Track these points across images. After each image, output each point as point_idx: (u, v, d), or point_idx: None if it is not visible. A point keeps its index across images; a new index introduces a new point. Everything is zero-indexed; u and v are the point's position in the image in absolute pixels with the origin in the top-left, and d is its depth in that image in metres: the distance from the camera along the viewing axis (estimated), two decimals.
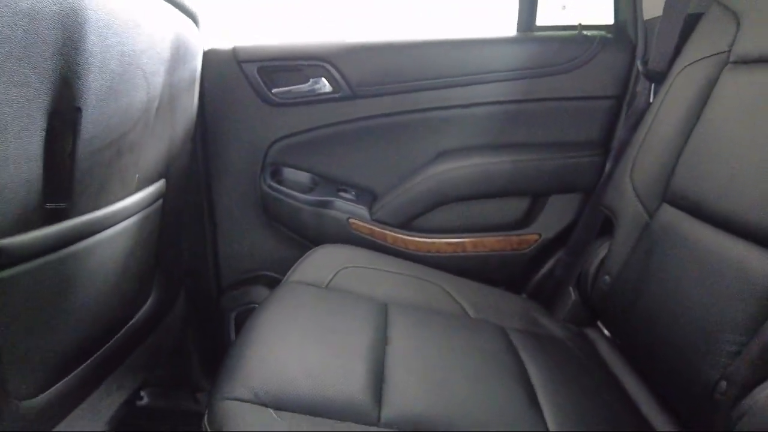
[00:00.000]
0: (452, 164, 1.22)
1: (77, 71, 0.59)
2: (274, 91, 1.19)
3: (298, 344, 0.74)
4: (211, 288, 1.31)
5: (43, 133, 0.57)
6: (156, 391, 1.30)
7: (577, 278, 1.08)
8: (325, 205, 1.22)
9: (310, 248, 1.08)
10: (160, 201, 0.94)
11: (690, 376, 0.69)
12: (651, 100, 1.02)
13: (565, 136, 1.21)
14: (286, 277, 0.97)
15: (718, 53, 0.85)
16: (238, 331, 1.29)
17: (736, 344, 0.63)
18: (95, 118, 0.65)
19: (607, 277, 0.95)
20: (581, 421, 0.74)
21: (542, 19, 1.29)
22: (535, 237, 1.23)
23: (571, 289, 1.08)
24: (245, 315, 1.26)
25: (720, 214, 0.73)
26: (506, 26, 1.33)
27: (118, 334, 0.88)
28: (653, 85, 1.03)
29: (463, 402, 0.71)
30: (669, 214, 0.84)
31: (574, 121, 1.20)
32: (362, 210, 1.23)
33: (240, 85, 1.18)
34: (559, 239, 1.22)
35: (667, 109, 0.93)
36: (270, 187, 1.23)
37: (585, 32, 1.20)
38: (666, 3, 0.98)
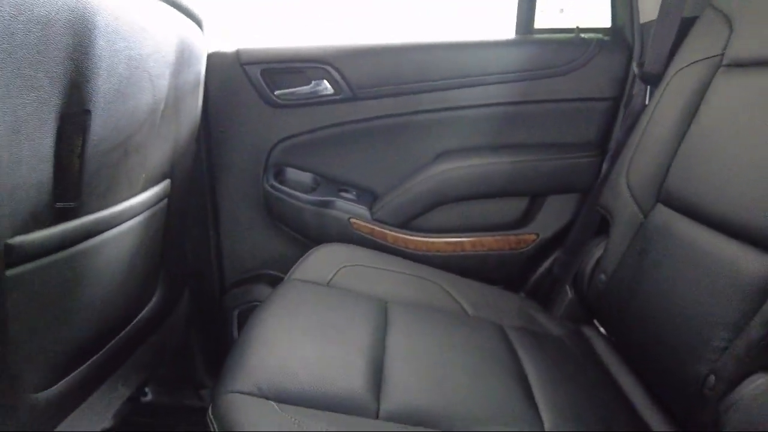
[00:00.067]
0: (451, 165, 1.23)
1: (87, 75, 0.61)
2: (276, 93, 1.21)
3: (300, 340, 0.76)
4: (214, 286, 1.33)
5: (54, 135, 0.59)
6: (160, 387, 1.32)
7: (573, 277, 1.10)
8: (326, 205, 1.24)
9: (312, 247, 1.10)
10: (165, 201, 0.96)
11: (681, 373, 0.71)
12: (647, 103, 1.04)
13: (563, 138, 1.23)
14: (288, 275, 0.99)
15: (711, 56, 0.87)
16: (240, 328, 1.30)
17: (724, 341, 0.64)
18: (104, 121, 0.67)
19: (602, 276, 0.97)
20: (576, 416, 0.75)
21: (540, 22, 1.30)
22: (533, 237, 1.25)
23: (567, 287, 1.10)
24: (248, 313, 1.27)
25: (712, 214, 0.75)
26: (505, 29, 1.35)
27: (124, 331, 0.89)
28: (649, 87, 1.04)
29: (461, 397, 0.72)
30: (663, 214, 0.86)
31: (572, 122, 1.22)
32: (363, 210, 1.25)
33: (243, 87, 1.20)
34: (557, 239, 1.24)
35: (662, 111, 0.95)
36: (272, 187, 1.25)
37: (582, 35, 1.22)
38: (661, 7, 0.99)
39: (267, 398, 0.64)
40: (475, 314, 0.98)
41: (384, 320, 0.87)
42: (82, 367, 0.78)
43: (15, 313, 0.60)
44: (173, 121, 0.91)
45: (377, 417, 0.66)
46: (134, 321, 0.93)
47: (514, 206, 1.28)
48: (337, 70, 1.19)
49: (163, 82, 0.81)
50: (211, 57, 1.15)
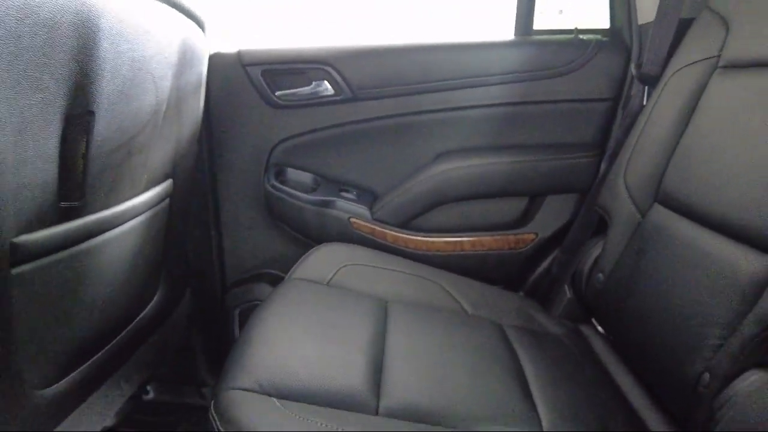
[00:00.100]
0: (451, 165, 1.24)
1: (91, 77, 0.62)
2: (277, 93, 1.22)
3: (301, 338, 0.77)
4: (215, 285, 1.34)
5: (59, 136, 0.60)
6: (162, 386, 1.33)
7: (572, 276, 1.11)
8: (327, 204, 1.25)
9: (313, 247, 1.11)
10: (167, 201, 0.97)
11: (677, 371, 0.71)
12: (645, 103, 1.05)
13: (562, 138, 1.24)
14: (288, 274, 1.00)
15: (708, 58, 0.88)
16: (242, 327, 1.32)
17: (719, 338, 0.65)
18: (107, 122, 0.68)
19: (600, 275, 0.98)
20: (573, 414, 0.76)
21: (539, 23, 1.31)
22: (532, 236, 1.26)
23: (566, 287, 1.11)
24: (249, 312, 1.27)
25: (709, 214, 0.75)
26: (504, 30, 1.35)
27: (126, 330, 0.90)
28: (647, 88, 1.05)
29: (459, 395, 0.73)
30: (660, 214, 0.87)
31: (571, 123, 1.23)
32: (363, 210, 1.26)
33: (244, 88, 1.21)
34: (556, 238, 1.25)
35: (660, 112, 0.95)
36: (273, 187, 1.26)
37: (581, 36, 1.23)
38: (659, 8, 1.00)
39: (268, 395, 0.65)
40: (475, 313, 0.99)
41: (384, 319, 0.88)
42: (84, 365, 0.79)
43: (19, 311, 0.61)
44: (175, 122, 0.92)
45: (377, 413, 0.67)
46: (136, 319, 0.94)
47: (514, 206, 1.29)
48: (337, 71, 1.20)
49: (166, 84, 0.82)
50: (212, 58, 1.16)
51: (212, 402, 0.65)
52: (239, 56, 1.21)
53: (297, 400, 0.65)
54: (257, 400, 0.64)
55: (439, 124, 1.24)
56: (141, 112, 0.76)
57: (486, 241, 1.26)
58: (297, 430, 0.60)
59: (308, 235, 1.29)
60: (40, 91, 0.55)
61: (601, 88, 1.20)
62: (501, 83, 1.21)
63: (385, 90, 1.21)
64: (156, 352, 1.06)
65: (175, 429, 1.29)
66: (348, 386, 0.69)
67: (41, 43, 0.53)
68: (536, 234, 1.26)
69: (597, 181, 1.14)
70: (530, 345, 0.91)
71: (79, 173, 0.67)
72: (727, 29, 0.86)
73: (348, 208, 1.25)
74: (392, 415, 0.67)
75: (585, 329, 1.05)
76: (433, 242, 1.26)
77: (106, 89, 0.65)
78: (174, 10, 0.84)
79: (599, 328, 1.05)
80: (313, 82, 1.21)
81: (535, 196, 1.28)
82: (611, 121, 1.21)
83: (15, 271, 0.59)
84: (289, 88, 1.22)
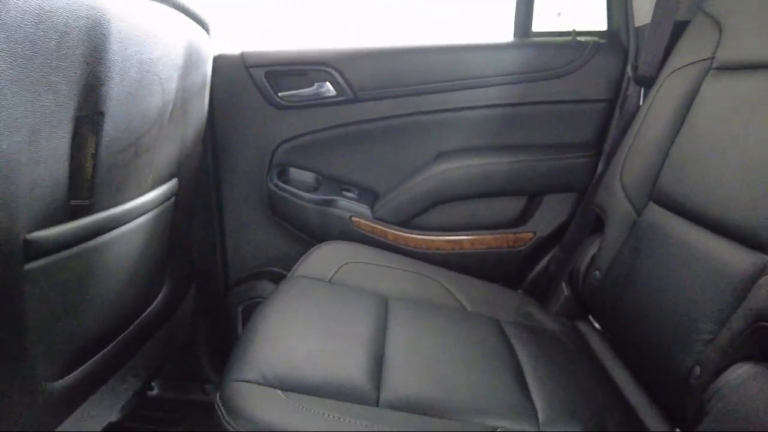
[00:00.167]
0: (451, 165, 1.26)
1: (101, 79, 0.64)
2: (280, 94, 1.24)
3: (303, 332, 0.79)
4: (219, 283, 1.36)
5: (70, 136, 0.62)
6: (166, 382, 1.35)
7: (569, 274, 1.12)
8: (328, 203, 1.27)
9: (315, 245, 1.13)
10: (172, 200, 0.98)
11: (669, 365, 0.73)
12: (641, 104, 1.06)
13: (560, 138, 1.25)
14: (291, 272, 1.02)
15: (702, 60, 0.89)
16: (245, 324, 1.33)
17: (710, 333, 0.67)
18: (116, 122, 0.70)
19: (597, 273, 0.99)
20: (568, 407, 0.78)
21: (538, 25, 1.33)
22: (531, 235, 1.28)
23: (564, 284, 1.12)
24: (252, 309, 1.29)
25: (702, 213, 0.77)
26: (503, 32, 1.37)
27: (133, 325, 0.92)
28: (643, 89, 1.07)
29: (458, 388, 0.75)
30: (655, 212, 0.88)
31: (569, 123, 1.24)
32: (364, 209, 1.28)
33: (248, 89, 1.23)
34: (554, 237, 1.27)
35: (655, 112, 0.97)
36: (276, 186, 1.28)
37: (579, 38, 1.25)
38: (654, 11, 1.02)
39: (272, 387, 0.67)
40: (474, 310, 1.01)
41: (384, 315, 0.90)
42: (93, 359, 0.81)
43: (32, 305, 0.63)
44: (181, 122, 0.94)
45: (377, 405, 0.69)
46: (142, 315, 0.96)
47: (512, 205, 1.31)
48: (339, 72, 1.22)
49: (172, 85, 0.84)
50: (216, 59, 1.18)
51: (218, 394, 0.67)
52: (243, 58, 1.23)
53: (300, 392, 0.67)
54: (261, 391, 0.66)
55: (439, 125, 1.26)
56: (148, 113, 0.78)
57: (485, 239, 1.28)
58: (300, 420, 0.62)
59: (310, 233, 1.31)
60: (53, 92, 0.57)
61: (599, 89, 1.21)
62: (500, 84, 1.23)
63: (385, 91, 1.23)
64: (161, 347, 1.08)
65: (178, 425, 1.31)
66: (349, 379, 0.71)
67: (54, 47, 0.55)
68: (534, 233, 1.28)
69: (594, 181, 1.16)
70: (528, 341, 0.92)
71: (88, 172, 0.69)
72: (720, 32, 0.88)
73: (349, 207, 1.27)
74: (392, 406, 0.69)
75: (582, 326, 1.07)
76: (433, 241, 1.28)
77: (114, 91, 0.67)
78: (180, 13, 0.86)
79: (596, 325, 1.07)
80: (315, 84, 1.23)
81: (533, 196, 1.30)
82: (609, 121, 1.23)
83: (28, 266, 0.61)
84: (292, 90, 1.23)
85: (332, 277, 1.00)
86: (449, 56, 1.24)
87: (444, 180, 1.26)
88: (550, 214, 1.28)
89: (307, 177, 1.31)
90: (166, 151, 0.91)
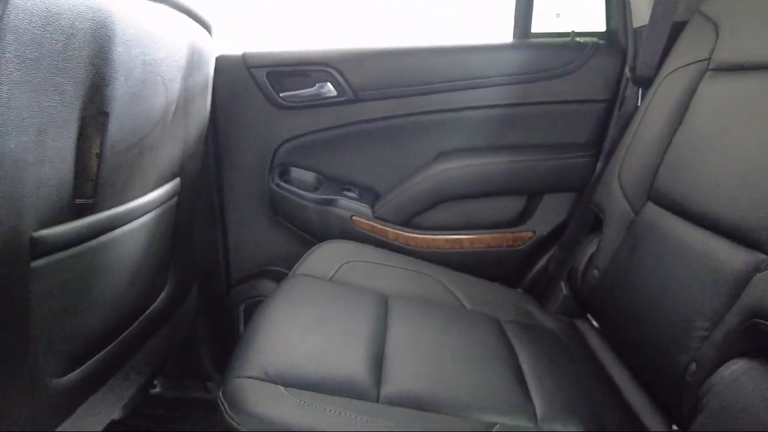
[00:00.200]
0: (451, 164, 1.27)
1: (106, 79, 0.65)
2: (281, 95, 1.25)
3: (305, 330, 0.80)
4: (221, 282, 1.37)
5: (75, 136, 0.63)
6: (168, 380, 1.36)
7: (568, 273, 1.13)
8: (329, 203, 1.28)
9: (316, 244, 1.14)
10: (175, 199, 0.99)
11: (666, 362, 0.74)
12: (639, 104, 1.07)
13: (559, 138, 1.26)
14: (292, 270, 1.03)
15: (699, 61, 0.90)
16: (246, 323, 1.35)
17: (705, 330, 0.68)
18: (120, 122, 0.71)
19: (595, 272, 1.00)
20: (566, 404, 0.78)
21: (537, 26, 1.34)
22: (530, 234, 1.28)
23: (562, 283, 1.13)
24: (254, 308, 1.30)
25: (698, 211, 0.78)
26: (503, 33, 1.38)
27: (136, 323, 0.93)
28: (641, 89, 1.08)
29: (457, 384, 0.76)
30: (653, 211, 0.89)
31: (568, 123, 1.25)
32: (365, 208, 1.29)
33: (250, 90, 1.24)
34: (553, 236, 1.28)
35: (653, 113, 0.98)
36: (278, 186, 1.29)
37: (578, 39, 1.25)
38: (652, 12, 1.02)
39: (274, 382, 0.68)
40: (473, 308, 1.02)
41: (385, 313, 0.91)
42: (96, 357, 0.81)
43: (38, 302, 0.64)
44: (183, 123, 0.95)
45: (377, 401, 0.70)
46: (145, 313, 0.97)
47: (512, 205, 1.32)
48: (340, 73, 1.23)
49: (175, 86, 0.85)
50: (218, 60, 1.19)
51: (221, 389, 0.68)
52: (244, 59, 1.24)
53: (301, 388, 0.68)
54: (264, 387, 0.67)
55: (439, 125, 1.27)
56: (151, 113, 0.79)
57: (485, 238, 1.29)
58: (301, 415, 0.63)
59: (311, 232, 1.31)
60: (59, 93, 0.58)
61: (598, 89, 1.22)
62: (500, 85, 1.23)
63: (386, 91, 1.24)
64: (164, 345, 1.09)
65: (180, 422, 1.32)
66: (350, 375, 0.72)
67: (61, 49, 0.56)
68: (534, 232, 1.28)
69: (593, 181, 1.16)
70: (526, 339, 0.93)
71: (93, 171, 0.70)
72: (717, 33, 0.89)
73: (350, 206, 1.28)
74: (392, 402, 0.70)
75: (580, 324, 1.08)
76: (432, 240, 1.29)
77: (119, 91, 0.68)
78: (182, 14, 0.87)
79: (594, 323, 1.08)
80: (317, 84, 1.24)
81: (532, 195, 1.31)
82: (607, 121, 1.24)
83: (34, 264, 0.62)
84: (293, 90, 1.25)
85: (333, 275, 1.01)
86: (449, 57, 1.24)
87: (444, 180, 1.27)
88: (549, 213, 1.29)
89: (309, 177, 1.32)
90: (169, 151, 0.92)
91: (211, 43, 1.03)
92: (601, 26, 1.29)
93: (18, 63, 0.51)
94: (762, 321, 0.58)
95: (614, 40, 1.24)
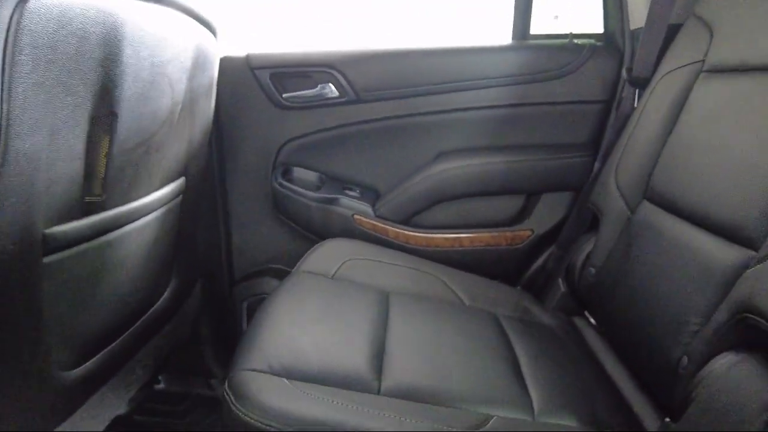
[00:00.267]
0: (451, 164, 1.29)
1: (115, 81, 0.67)
2: (284, 95, 1.27)
3: (308, 324, 0.82)
4: (224, 279, 1.39)
5: (85, 136, 0.65)
6: (172, 376, 1.37)
7: (565, 271, 1.15)
8: (331, 202, 1.30)
9: (317, 242, 1.16)
10: (180, 198, 1.01)
11: (659, 356, 0.76)
12: (635, 105, 1.09)
13: (557, 138, 1.28)
14: (295, 268, 1.04)
15: (694, 62, 0.92)
16: (249, 320, 1.36)
17: (696, 325, 0.70)
18: (128, 122, 0.73)
19: (592, 270, 1.02)
20: (563, 398, 0.80)
21: (536, 28, 1.35)
22: (528, 233, 1.30)
23: (560, 281, 1.15)
24: (256, 305, 1.32)
25: (691, 210, 0.80)
26: (502, 35, 1.40)
27: (142, 319, 0.95)
28: (637, 90, 1.10)
29: (455, 377, 0.78)
30: (648, 210, 0.91)
31: (566, 124, 1.27)
32: (366, 207, 1.30)
33: (253, 90, 1.26)
34: (551, 235, 1.29)
35: (649, 113, 1.00)
36: (280, 185, 1.30)
37: (576, 40, 1.27)
38: (649, 14, 1.04)
39: (278, 375, 0.70)
40: (472, 305, 1.03)
41: (386, 309, 0.93)
42: (102, 352, 0.83)
43: (49, 297, 0.66)
44: (188, 123, 0.97)
45: (379, 393, 0.72)
46: (151, 310, 0.99)
47: (511, 204, 1.33)
48: (342, 74, 1.25)
49: (181, 86, 0.87)
50: (222, 61, 1.20)
51: (226, 382, 0.70)
52: (248, 60, 1.26)
53: (305, 381, 0.70)
54: (268, 379, 0.69)
55: (439, 125, 1.29)
56: (158, 114, 0.81)
57: (484, 237, 1.30)
58: (304, 406, 0.65)
59: (313, 231, 1.33)
60: (71, 95, 0.60)
61: (595, 90, 1.24)
62: (499, 86, 1.25)
63: (387, 92, 1.26)
64: (168, 341, 1.11)
65: (183, 418, 1.34)
66: (352, 368, 0.74)
67: (73, 52, 0.58)
68: (532, 231, 1.30)
69: (590, 180, 1.18)
70: (524, 334, 0.95)
71: (101, 170, 0.72)
72: (711, 35, 0.91)
73: (351, 205, 1.30)
74: (393, 394, 0.72)
75: (578, 321, 1.10)
76: (432, 238, 1.30)
77: (128, 92, 0.70)
78: (188, 17, 0.89)
79: (591, 320, 1.10)
80: (319, 85, 1.26)
81: (531, 195, 1.32)
82: (605, 122, 1.25)
83: (46, 260, 0.64)
84: (296, 91, 1.26)
85: (335, 273, 1.02)
86: (449, 58, 1.26)
87: (444, 179, 1.29)
88: (548, 212, 1.30)
89: (311, 176, 1.34)
90: (175, 151, 0.94)
91: (215, 45, 1.05)
92: (598, 28, 1.30)
93: (33, 65, 0.53)
94: (751, 315, 0.59)
95: (611, 42, 1.26)
